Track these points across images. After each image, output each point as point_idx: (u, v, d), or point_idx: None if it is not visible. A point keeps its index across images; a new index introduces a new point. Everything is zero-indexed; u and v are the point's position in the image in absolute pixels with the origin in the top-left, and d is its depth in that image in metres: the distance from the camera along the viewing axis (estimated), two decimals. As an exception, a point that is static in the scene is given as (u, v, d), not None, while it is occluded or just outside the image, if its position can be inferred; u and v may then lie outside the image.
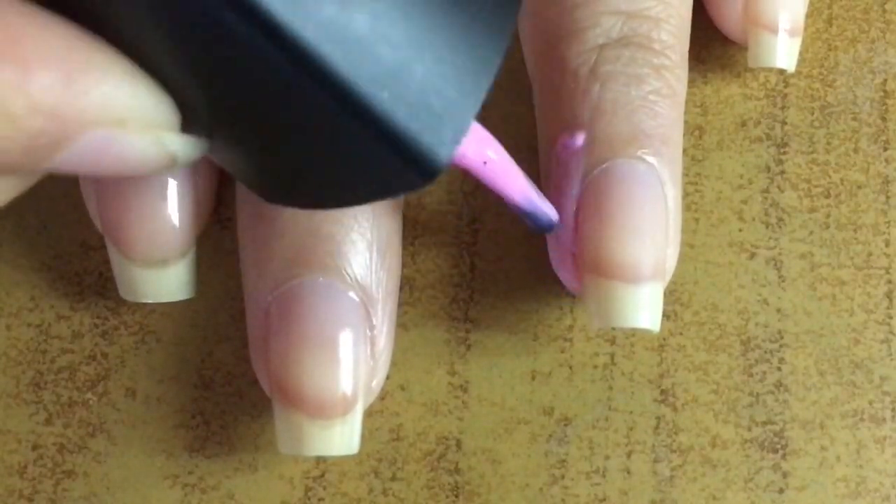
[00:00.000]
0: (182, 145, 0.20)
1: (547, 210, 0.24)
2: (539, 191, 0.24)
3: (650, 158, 0.24)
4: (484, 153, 0.22)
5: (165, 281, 0.25)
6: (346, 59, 0.16)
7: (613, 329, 0.27)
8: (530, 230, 0.24)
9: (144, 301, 0.25)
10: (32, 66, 0.17)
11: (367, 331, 0.24)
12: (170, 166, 0.20)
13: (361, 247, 0.24)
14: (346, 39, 0.16)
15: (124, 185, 0.25)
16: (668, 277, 0.25)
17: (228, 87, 0.18)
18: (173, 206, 0.25)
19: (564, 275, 0.25)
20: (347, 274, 0.24)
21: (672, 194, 0.25)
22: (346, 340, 0.24)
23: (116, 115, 0.18)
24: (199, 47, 0.17)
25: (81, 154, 0.18)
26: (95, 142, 0.18)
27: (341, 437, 0.23)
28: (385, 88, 0.16)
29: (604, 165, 0.24)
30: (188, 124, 0.20)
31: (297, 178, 0.20)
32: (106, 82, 0.18)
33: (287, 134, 0.19)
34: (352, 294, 0.24)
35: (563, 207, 0.24)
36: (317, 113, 0.17)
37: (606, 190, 0.24)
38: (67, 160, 0.18)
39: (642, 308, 0.24)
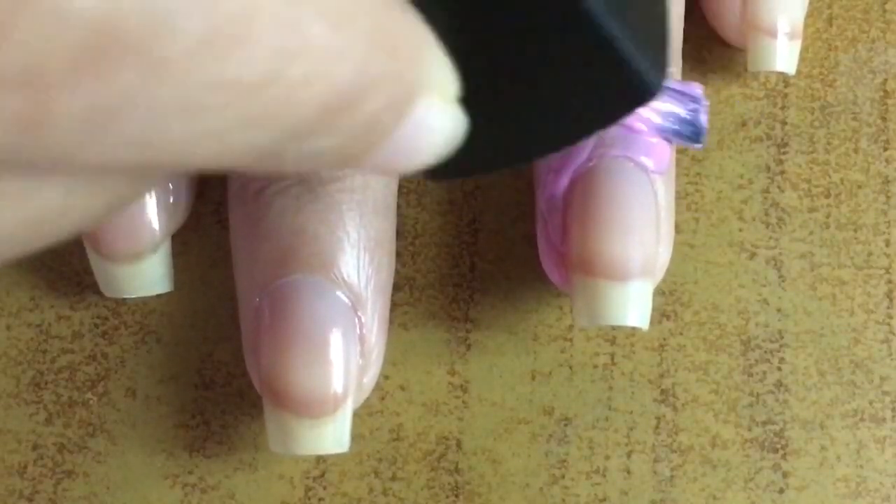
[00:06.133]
0: (462, 122, 0.16)
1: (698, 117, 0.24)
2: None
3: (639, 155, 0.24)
4: None
5: (139, 275, 0.26)
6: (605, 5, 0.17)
7: (613, 328, 0.27)
8: (684, 144, 0.25)
9: (122, 296, 0.26)
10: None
11: (356, 329, 0.24)
12: (445, 151, 0.16)
13: (347, 246, 0.24)
14: None
15: None
16: (660, 275, 0.25)
17: (496, 54, 0.17)
18: (143, 201, 0.25)
19: (553, 273, 0.25)
20: (334, 273, 0.24)
21: (663, 191, 0.25)
22: (334, 339, 0.24)
23: (435, 78, 0.14)
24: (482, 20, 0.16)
25: (403, 137, 0.15)
26: (417, 117, 0.15)
27: (332, 436, 0.23)
28: (624, 26, 0.18)
29: (591, 163, 0.24)
30: None
31: (527, 129, 0.20)
32: (418, 35, 0.14)
33: (538, 84, 0.19)
34: (339, 293, 0.24)
35: (553, 206, 0.24)
36: (569, 54, 0.18)
37: (594, 187, 0.24)
38: (391, 147, 0.15)
39: (630, 305, 0.24)
